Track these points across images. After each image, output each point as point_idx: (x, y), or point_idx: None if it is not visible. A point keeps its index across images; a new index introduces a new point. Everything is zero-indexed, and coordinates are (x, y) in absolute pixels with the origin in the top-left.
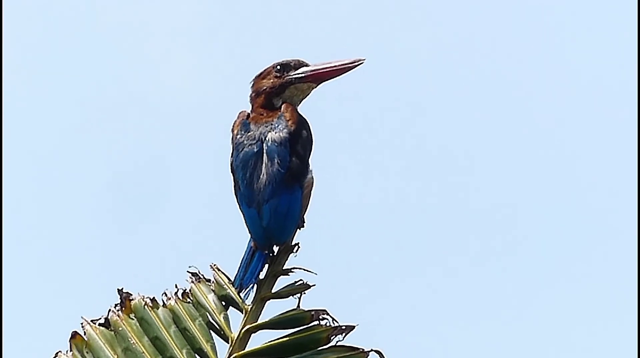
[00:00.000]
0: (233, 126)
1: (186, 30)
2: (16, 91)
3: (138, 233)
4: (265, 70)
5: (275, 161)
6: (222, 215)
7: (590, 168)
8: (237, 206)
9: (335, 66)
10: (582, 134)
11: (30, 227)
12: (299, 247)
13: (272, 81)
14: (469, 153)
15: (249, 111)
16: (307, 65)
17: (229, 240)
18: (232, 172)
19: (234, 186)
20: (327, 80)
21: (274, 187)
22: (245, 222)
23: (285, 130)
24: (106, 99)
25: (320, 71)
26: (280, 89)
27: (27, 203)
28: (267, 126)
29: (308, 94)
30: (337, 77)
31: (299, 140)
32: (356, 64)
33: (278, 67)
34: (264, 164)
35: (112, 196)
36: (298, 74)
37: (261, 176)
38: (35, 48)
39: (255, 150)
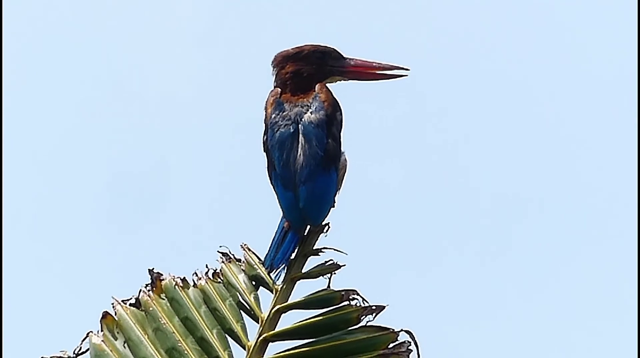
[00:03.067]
0: (266, 105)
1: (188, 30)
2: (17, 91)
3: (138, 233)
4: (301, 51)
5: (313, 142)
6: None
7: (590, 168)
8: (271, 186)
9: (377, 72)
10: (583, 132)
11: (30, 227)
12: (329, 227)
13: (313, 66)
14: (474, 151)
15: (278, 89)
16: (342, 55)
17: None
18: (265, 151)
19: (268, 166)
20: (364, 81)
21: (312, 169)
22: (280, 203)
23: (322, 111)
24: (106, 99)
25: (363, 71)
26: (322, 76)
27: (27, 203)
28: (302, 107)
29: (334, 82)
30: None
31: (334, 122)
32: (399, 74)
33: (319, 54)
34: (300, 146)
35: (112, 197)
36: (340, 66)
37: (298, 157)
38: (36, 48)
39: (291, 131)
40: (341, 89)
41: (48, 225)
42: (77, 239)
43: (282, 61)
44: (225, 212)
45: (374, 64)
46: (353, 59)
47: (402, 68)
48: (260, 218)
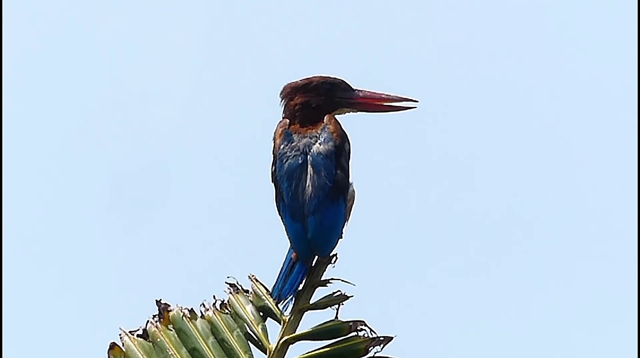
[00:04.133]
0: (275, 136)
1: (189, 30)
2: (18, 92)
3: (139, 233)
4: (309, 83)
5: (322, 173)
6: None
7: (590, 169)
8: (279, 217)
9: (385, 104)
10: (583, 136)
11: (30, 227)
12: (337, 258)
13: (322, 98)
14: (474, 155)
15: (287, 119)
16: (350, 87)
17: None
18: (274, 182)
19: (276, 197)
20: (372, 113)
21: (321, 200)
22: (288, 234)
23: (330, 143)
24: (107, 99)
25: (371, 103)
26: (330, 108)
27: (27, 203)
28: (311, 138)
29: (342, 114)
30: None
31: (343, 153)
32: (407, 106)
33: (328, 85)
34: (309, 176)
35: (113, 197)
36: (348, 98)
37: (307, 188)
38: (37, 49)
39: (300, 162)
40: (348, 120)
41: (48, 226)
42: (78, 239)
43: (291, 92)
44: (225, 214)
45: (383, 96)
46: (362, 90)
47: (411, 100)
48: (268, 248)
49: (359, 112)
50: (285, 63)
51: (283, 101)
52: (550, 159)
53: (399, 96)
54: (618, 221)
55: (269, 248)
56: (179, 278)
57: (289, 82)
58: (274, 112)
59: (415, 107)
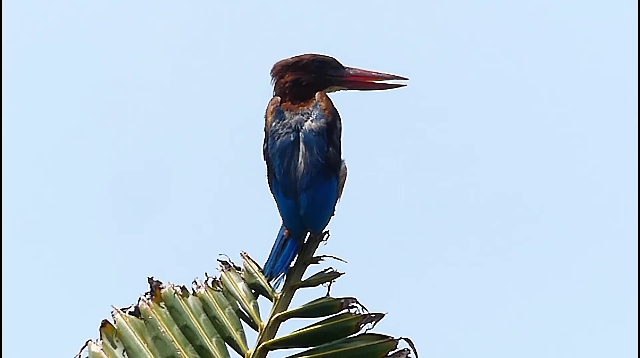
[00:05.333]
0: (266, 113)
1: (188, 29)
2: (17, 92)
3: (139, 233)
4: (300, 61)
5: (314, 150)
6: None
7: (590, 168)
8: (271, 194)
9: (376, 82)
10: (584, 132)
11: (30, 228)
12: (328, 235)
13: (313, 76)
14: (468, 135)
15: (279, 97)
16: (341, 65)
17: (236, 235)
18: (266, 160)
19: (268, 174)
20: (363, 91)
21: (313, 177)
22: (280, 211)
23: (322, 119)
24: (106, 100)
25: (361, 81)
26: (321, 85)
27: (27, 203)
28: (302, 115)
29: (333, 92)
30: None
31: (335, 130)
32: (398, 84)
33: (318, 63)
34: (301, 154)
35: (113, 197)
36: (339, 76)
37: (299, 165)
38: (36, 49)
39: (292, 139)
40: (340, 98)
41: (48, 226)
42: (78, 240)
43: (281, 70)
44: (224, 213)
45: (373, 74)
46: (352, 68)
47: (401, 78)
48: (260, 224)
49: (349, 90)
50: (276, 46)
51: (273, 79)
52: (551, 158)
53: (390, 73)
54: (618, 221)
55: (260, 226)
56: (177, 279)
57: (279, 60)
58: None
59: (406, 86)
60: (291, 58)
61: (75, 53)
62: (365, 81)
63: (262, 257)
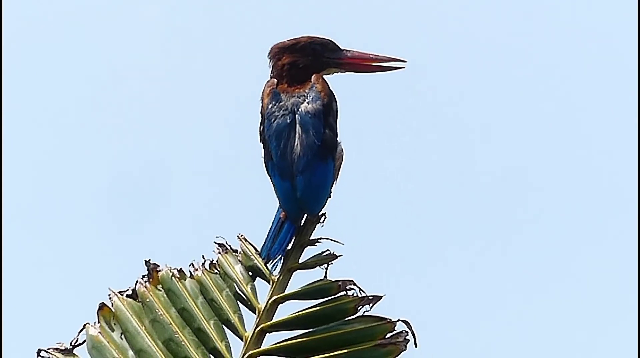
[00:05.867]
0: (263, 95)
1: (186, 27)
2: (16, 91)
3: (138, 232)
4: (297, 43)
5: (310, 132)
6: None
7: (590, 167)
8: (268, 176)
9: (374, 64)
10: (585, 131)
11: (29, 226)
12: (325, 217)
13: (310, 58)
14: (467, 116)
15: (275, 80)
16: (338, 47)
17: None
18: (262, 142)
19: (264, 156)
20: (360, 73)
21: (309, 159)
22: (277, 193)
23: (318, 101)
24: (105, 99)
25: (359, 63)
26: (318, 68)
27: (28, 203)
28: (299, 97)
29: (331, 74)
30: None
31: (331, 112)
32: (396, 67)
33: (315, 45)
34: (297, 136)
35: (112, 196)
36: (336, 58)
37: (295, 147)
38: (35, 48)
39: (288, 121)
40: (337, 80)
41: (47, 224)
42: (76, 237)
43: (278, 53)
44: (221, 204)
45: (371, 56)
46: (350, 50)
47: (400, 60)
48: (257, 208)
49: (347, 73)
50: (274, 31)
51: (270, 61)
52: (551, 158)
53: (388, 56)
54: (618, 221)
55: (257, 208)
56: (206, 250)
57: (276, 43)
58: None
59: (404, 68)
60: (288, 40)
61: (74, 53)
62: (362, 63)
63: (259, 240)
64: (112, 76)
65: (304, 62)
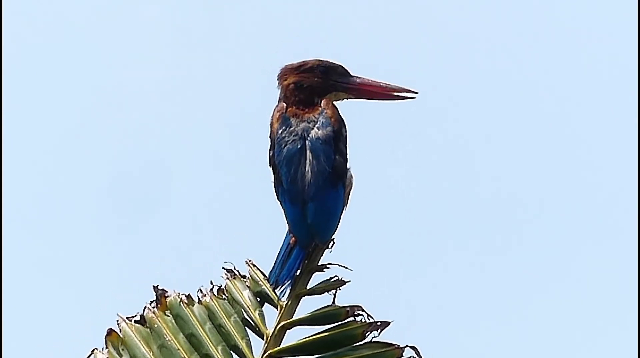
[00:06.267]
0: (272, 120)
1: (187, 29)
2: (17, 92)
3: (139, 233)
4: (305, 65)
5: (321, 159)
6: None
7: (591, 168)
8: (278, 202)
9: (384, 92)
10: (584, 133)
11: (30, 227)
12: (334, 243)
13: (316, 79)
14: (475, 144)
15: (283, 103)
16: (348, 72)
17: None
18: (272, 167)
19: (274, 182)
20: (369, 100)
21: (320, 185)
22: (287, 219)
23: (329, 128)
24: (106, 99)
25: (368, 90)
26: (325, 90)
27: (27, 203)
28: (309, 122)
29: (340, 100)
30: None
31: (341, 138)
32: (406, 96)
33: (323, 68)
34: (308, 162)
35: (112, 197)
36: (344, 83)
37: (306, 174)
38: (36, 48)
39: (299, 146)
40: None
41: (48, 226)
42: (78, 239)
43: (286, 73)
44: (225, 212)
45: (381, 84)
46: (360, 77)
47: (411, 91)
48: (265, 231)
49: (356, 99)
50: (285, 54)
51: (279, 82)
52: (551, 158)
53: (399, 86)
54: (618, 221)
55: (266, 233)
56: (181, 278)
57: (285, 64)
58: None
59: (414, 98)
60: (297, 62)
61: (74, 53)
62: (371, 90)
63: (267, 264)
64: (112, 75)
65: (309, 82)
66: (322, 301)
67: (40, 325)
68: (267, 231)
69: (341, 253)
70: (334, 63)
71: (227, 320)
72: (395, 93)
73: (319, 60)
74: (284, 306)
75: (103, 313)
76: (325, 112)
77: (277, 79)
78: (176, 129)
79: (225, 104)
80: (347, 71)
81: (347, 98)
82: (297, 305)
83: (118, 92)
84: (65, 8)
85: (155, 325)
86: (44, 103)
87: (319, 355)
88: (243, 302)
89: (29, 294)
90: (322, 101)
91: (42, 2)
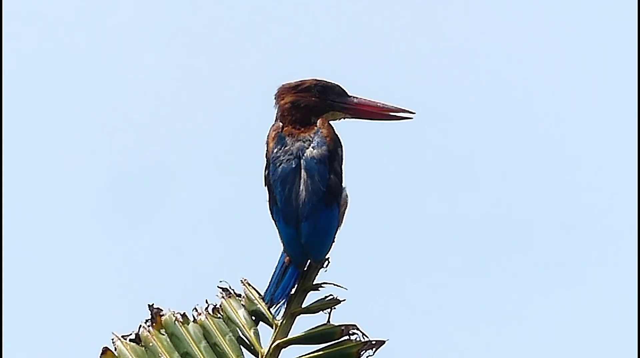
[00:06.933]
0: (268, 139)
1: (188, 30)
2: (18, 92)
3: (138, 234)
4: (302, 84)
5: (316, 178)
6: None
7: (590, 170)
8: (272, 221)
9: (381, 113)
10: (582, 138)
11: (30, 228)
12: (329, 262)
13: (313, 99)
14: (471, 157)
15: (280, 123)
16: (346, 92)
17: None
18: (267, 186)
19: (269, 201)
20: (365, 120)
21: (314, 204)
22: (281, 238)
23: (324, 147)
24: (107, 99)
25: (365, 110)
26: (322, 110)
27: (28, 203)
28: (304, 142)
29: (337, 120)
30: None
31: (336, 157)
32: (403, 116)
33: (320, 88)
34: (302, 181)
35: (113, 197)
36: (342, 103)
37: (300, 193)
38: (37, 49)
39: (293, 166)
40: (342, 125)
41: (48, 226)
42: (77, 239)
43: (283, 92)
44: (217, 218)
45: (378, 104)
46: (357, 97)
47: (408, 111)
48: (261, 249)
49: (353, 119)
50: (284, 67)
51: (276, 102)
52: (549, 160)
53: (396, 106)
54: (618, 221)
55: (261, 252)
56: (177, 280)
57: (283, 83)
58: (271, 115)
59: (412, 119)
60: (294, 81)
61: (77, 53)
62: (368, 110)
63: (262, 283)
64: (112, 75)
65: (306, 102)
66: (317, 320)
67: (36, 340)
68: (263, 250)
69: (336, 272)
70: (331, 82)
71: (222, 339)
72: (392, 113)
73: (316, 79)
74: (278, 325)
75: (99, 330)
76: (321, 132)
77: (274, 98)
78: (177, 131)
79: (227, 108)
80: (344, 91)
81: (344, 118)
82: (292, 323)
83: (119, 93)
84: (66, 8)
85: (151, 344)
86: (45, 103)
87: None
88: (238, 321)
89: (28, 294)
90: (318, 121)
91: (43, 2)
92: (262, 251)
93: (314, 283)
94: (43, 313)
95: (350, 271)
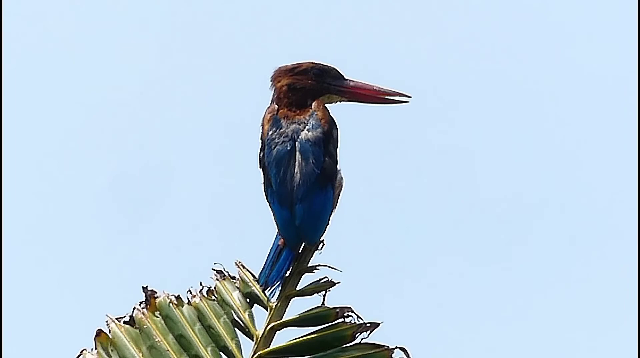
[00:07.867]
0: (263, 121)
1: (188, 30)
2: (18, 92)
3: (138, 234)
4: (299, 67)
5: (310, 160)
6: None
7: (590, 170)
8: (267, 203)
9: (377, 96)
10: (584, 136)
11: (30, 228)
12: (323, 244)
13: (309, 82)
14: (470, 146)
15: (275, 105)
16: (342, 75)
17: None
18: (262, 168)
19: (264, 183)
20: (362, 103)
21: (309, 187)
22: (276, 220)
23: (319, 129)
24: (107, 100)
25: (361, 93)
26: (318, 93)
27: (28, 203)
28: (299, 124)
29: (333, 103)
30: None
31: (331, 139)
32: (399, 100)
33: (317, 71)
34: (297, 163)
35: (113, 197)
36: (338, 86)
37: (295, 175)
38: (37, 49)
39: (288, 148)
40: (339, 108)
41: (48, 226)
42: (77, 241)
43: (279, 75)
44: (222, 215)
45: (375, 88)
46: (353, 80)
47: (404, 95)
48: (255, 232)
49: (349, 102)
50: (281, 57)
51: (272, 84)
52: (551, 160)
53: (392, 89)
54: (618, 221)
55: (255, 234)
56: (177, 279)
57: (279, 66)
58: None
59: (408, 102)
60: (291, 64)
61: (77, 53)
62: (365, 94)
63: (257, 265)
64: (113, 75)
65: (302, 84)
66: (311, 302)
67: (31, 325)
68: (257, 232)
69: (331, 255)
70: (327, 66)
71: (216, 321)
72: (389, 97)
73: (312, 62)
74: (273, 307)
75: (96, 313)
76: (316, 114)
77: (270, 81)
78: (178, 131)
79: (227, 106)
80: (340, 74)
81: (340, 101)
82: (287, 306)
83: (119, 93)
84: (67, 8)
85: (145, 326)
86: (45, 103)
87: (309, 357)
88: (233, 303)
89: (26, 294)
90: (314, 103)
91: (43, 2)
92: (256, 233)
93: (308, 265)
94: (41, 308)
95: (345, 254)
